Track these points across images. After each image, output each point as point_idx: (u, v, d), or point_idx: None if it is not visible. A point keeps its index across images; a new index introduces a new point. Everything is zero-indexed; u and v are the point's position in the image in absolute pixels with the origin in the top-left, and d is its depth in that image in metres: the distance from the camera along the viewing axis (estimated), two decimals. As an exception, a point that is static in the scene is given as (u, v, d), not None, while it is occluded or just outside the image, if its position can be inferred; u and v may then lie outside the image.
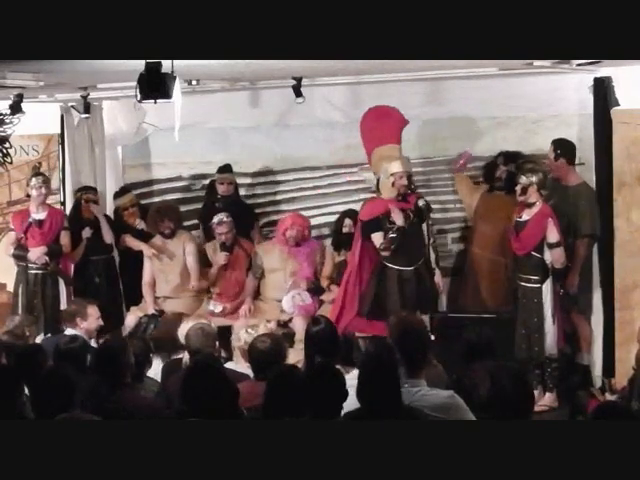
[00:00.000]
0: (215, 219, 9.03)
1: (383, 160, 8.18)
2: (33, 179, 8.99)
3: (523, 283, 7.82)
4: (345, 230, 8.86)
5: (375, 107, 8.47)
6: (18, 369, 5.47)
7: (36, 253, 8.76)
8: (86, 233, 9.20)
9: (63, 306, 8.60)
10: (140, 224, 9.38)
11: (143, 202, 9.96)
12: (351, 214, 8.96)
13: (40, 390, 4.94)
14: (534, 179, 7.73)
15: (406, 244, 8.04)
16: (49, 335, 8.08)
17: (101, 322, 7.57)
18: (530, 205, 7.78)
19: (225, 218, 8.99)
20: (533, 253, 7.74)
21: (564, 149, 8.15)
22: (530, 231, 7.77)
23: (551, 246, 7.69)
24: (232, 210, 9.14)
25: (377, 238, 8.09)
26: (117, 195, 9.68)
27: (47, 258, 8.79)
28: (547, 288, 7.72)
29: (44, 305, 8.75)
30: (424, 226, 8.09)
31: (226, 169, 9.40)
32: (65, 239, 9.00)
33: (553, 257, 7.69)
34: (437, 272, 8.23)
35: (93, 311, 7.53)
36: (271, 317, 8.49)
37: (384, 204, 8.13)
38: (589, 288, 8.15)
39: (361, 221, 8.28)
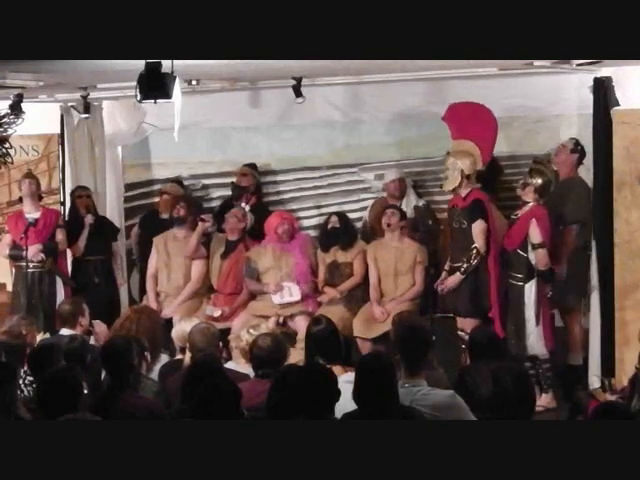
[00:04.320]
0: (233, 209, 9.09)
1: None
2: (22, 180, 9.09)
3: (511, 280, 7.86)
4: (330, 226, 8.87)
5: (474, 104, 8.28)
6: (14, 366, 5.46)
7: (32, 250, 8.78)
8: (89, 220, 9.23)
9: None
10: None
11: (142, 202, 9.98)
12: (339, 212, 9.03)
13: (47, 391, 4.93)
14: (536, 181, 7.76)
15: (454, 241, 8.10)
16: (47, 335, 8.06)
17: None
18: (525, 203, 7.86)
19: (238, 210, 9.02)
20: (519, 251, 7.78)
21: (582, 148, 8.20)
22: (516, 228, 7.86)
23: (534, 247, 7.73)
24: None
25: None
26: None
27: (43, 255, 8.83)
28: (530, 288, 7.74)
29: (42, 304, 8.78)
30: (474, 228, 7.91)
31: (249, 165, 9.52)
32: (60, 236, 9.05)
33: (536, 258, 7.72)
34: (456, 275, 7.93)
35: (86, 307, 7.56)
36: (268, 316, 8.52)
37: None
38: (582, 287, 8.13)
39: None
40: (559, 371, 8.09)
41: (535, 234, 7.71)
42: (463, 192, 8.05)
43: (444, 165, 8.11)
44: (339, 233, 8.80)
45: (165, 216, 9.54)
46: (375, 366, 4.84)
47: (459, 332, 7.96)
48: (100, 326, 7.60)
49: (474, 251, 7.89)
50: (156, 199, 9.99)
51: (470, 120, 8.16)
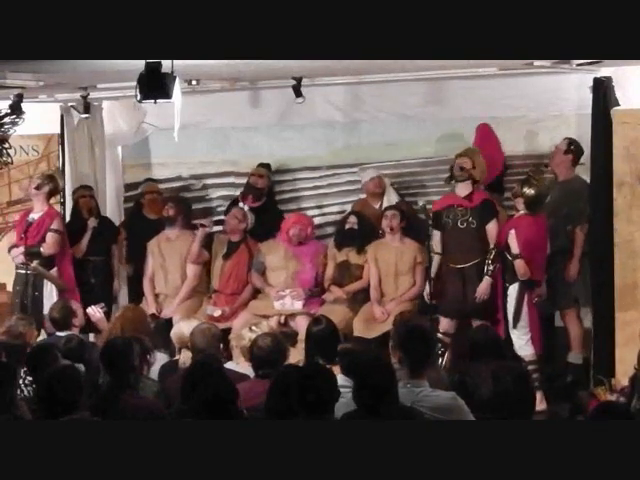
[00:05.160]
0: (233, 210, 9.06)
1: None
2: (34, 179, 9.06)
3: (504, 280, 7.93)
4: (347, 227, 8.85)
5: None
6: (14, 366, 5.47)
7: (14, 253, 8.76)
8: (92, 223, 9.22)
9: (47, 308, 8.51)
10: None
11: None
12: (357, 212, 8.98)
13: (47, 390, 4.94)
14: (529, 192, 7.76)
15: (458, 241, 8.08)
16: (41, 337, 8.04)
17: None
18: (517, 210, 7.90)
19: (238, 211, 9.00)
20: (505, 253, 7.81)
21: (577, 147, 8.25)
22: (501, 232, 7.92)
23: (512, 256, 7.74)
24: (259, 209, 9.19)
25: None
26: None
27: (22, 258, 8.66)
28: (512, 292, 7.76)
29: (23, 304, 8.61)
30: (488, 228, 7.95)
31: (264, 165, 9.48)
32: (50, 240, 8.76)
33: (515, 267, 7.73)
34: (485, 279, 7.92)
35: (77, 306, 7.53)
36: (269, 316, 8.52)
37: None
38: (586, 286, 8.14)
39: None
40: (556, 372, 8.10)
41: (513, 245, 7.73)
42: (463, 192, 8.06)
43: (474, 155, 8.15)
44: (356, 235, 8.76)
45: (152, 217, 9.52)
46: (375, 366, 4.85)
47: (439, 334, 8.00)
48: (96, 315, 7.54)
49: (495, 251, 7.91)
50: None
51: (487, 146, 8.41)
